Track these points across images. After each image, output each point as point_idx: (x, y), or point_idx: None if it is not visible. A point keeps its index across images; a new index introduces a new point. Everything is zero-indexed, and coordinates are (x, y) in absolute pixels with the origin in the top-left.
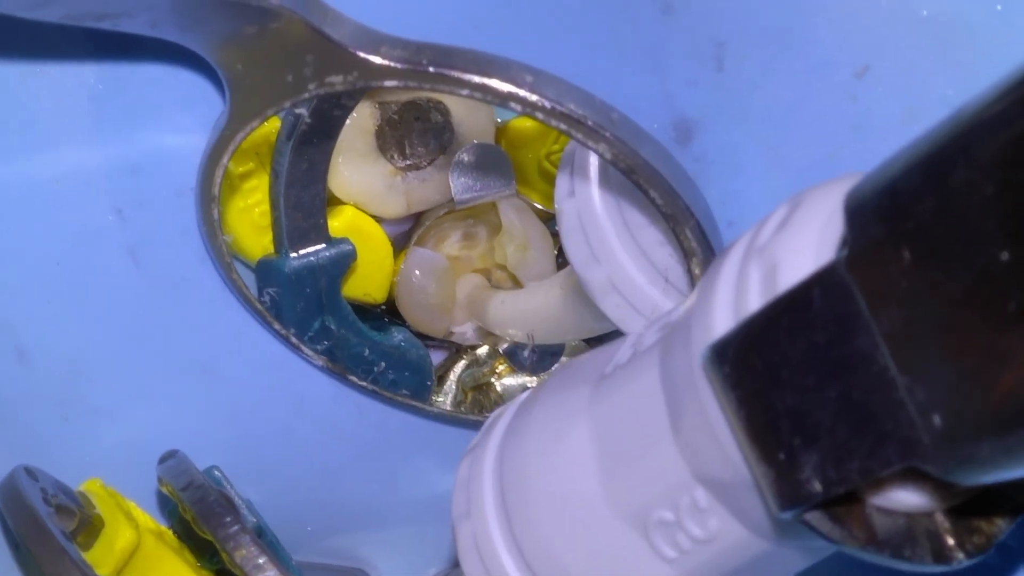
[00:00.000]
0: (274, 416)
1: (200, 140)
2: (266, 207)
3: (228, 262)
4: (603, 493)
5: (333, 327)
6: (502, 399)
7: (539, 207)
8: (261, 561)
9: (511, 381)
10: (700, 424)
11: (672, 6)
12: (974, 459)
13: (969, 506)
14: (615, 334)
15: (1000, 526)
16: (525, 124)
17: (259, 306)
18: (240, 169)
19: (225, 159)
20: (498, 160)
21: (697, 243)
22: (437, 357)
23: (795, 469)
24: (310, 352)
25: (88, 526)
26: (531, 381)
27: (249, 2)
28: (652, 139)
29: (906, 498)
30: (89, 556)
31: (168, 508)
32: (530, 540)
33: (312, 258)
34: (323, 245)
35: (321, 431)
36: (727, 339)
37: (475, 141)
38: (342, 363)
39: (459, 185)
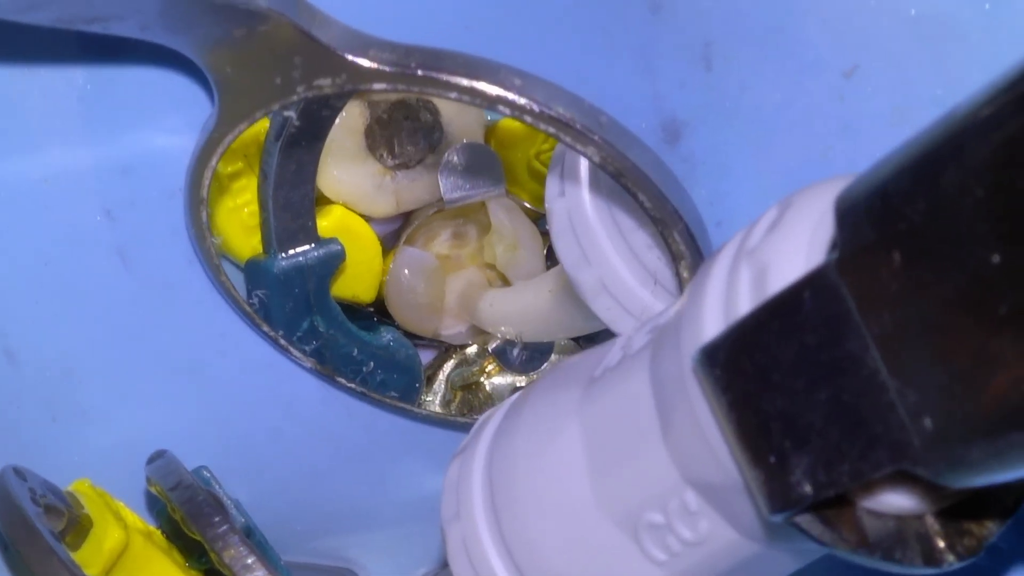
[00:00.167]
0: (263, 417)
1: (190, 141)
2: (255, 207)
3: (216, 264)
4: (593, 496)
5: (322, 327)
6: (491, 398)
7: (528, 207)
8: (250, 561)
9: (500, 380)
10: (690, 427)
11: (661, 6)
12: (965, 462)
13: (959, 508)
14: (605, 333)
15: (990, 528)
16: (515, 124)
17: (247, 307)
18: (229, 169)
19: (213, 161)
20: (487, 160)
21: (685, 246)
22: (426, 356)
23: (786, 472)
24: (298, 353)
25: (77, 526)
26: (520, 380)
27: (237, 5)
28: (641, 142)
29: (896, 501)
30: (78, 556)
31: (157, 508)
32: (519, 542)
33: (300, 258)
34: (311, 245)
35: (310, 432)
36: (717, 341)
37: (464, 141)
38: (331, 364)
39: (448, 184)
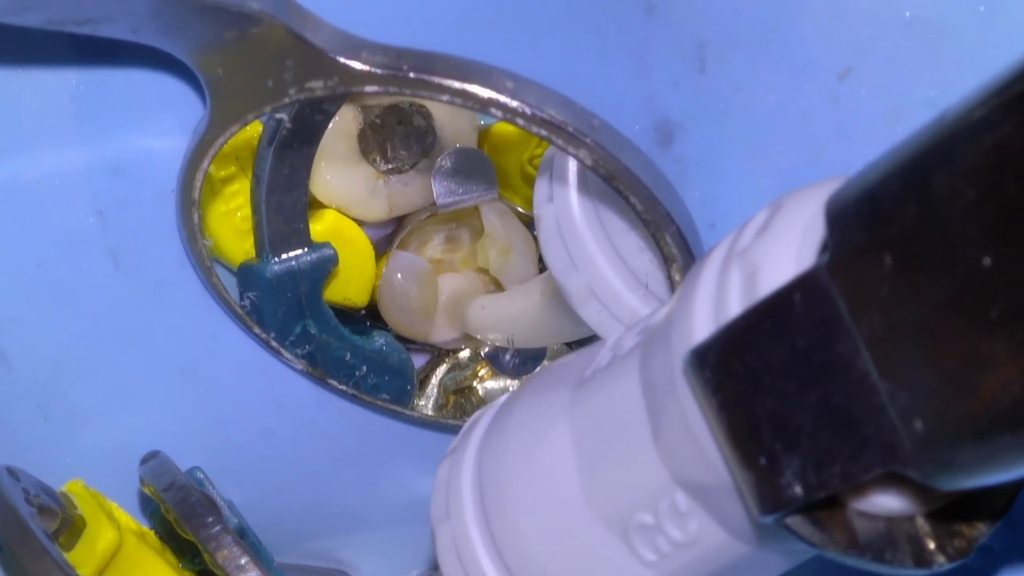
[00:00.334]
0: (255, 418)
1: (182, 143)
2: (248, 211)
3: (208, 266)
4: (582, 496)
5: (314, 331)
6: (484, 403)
7: (522, 211)
8: (243, 562)
9: (493, 385)
10: (680, 428)
11: (654, 7)
12: (955, 464)
13: (950, 510)
14: (595, 339)
15: (981, 530)
16: (508, 128)
17: (239, 310)
18: (222, 173)
19: (205, 163)
20: (480, 164)
21: (677, 249)
22: (419, 361)
23: (776, 473)
24: (290, 356)
25: (70, 526)
26: (513, 385)
27: (229, 7)
28: (633, 145)
29: (887, 502)
30: (71, 556)
31: (150, 509)
32: (509, 542)
33: (293, 263)
34: (304, 249)
35: (303, 433)
36: (708, 343)
37: (457, 145)
38: (323, 367)
39: (441, 189)
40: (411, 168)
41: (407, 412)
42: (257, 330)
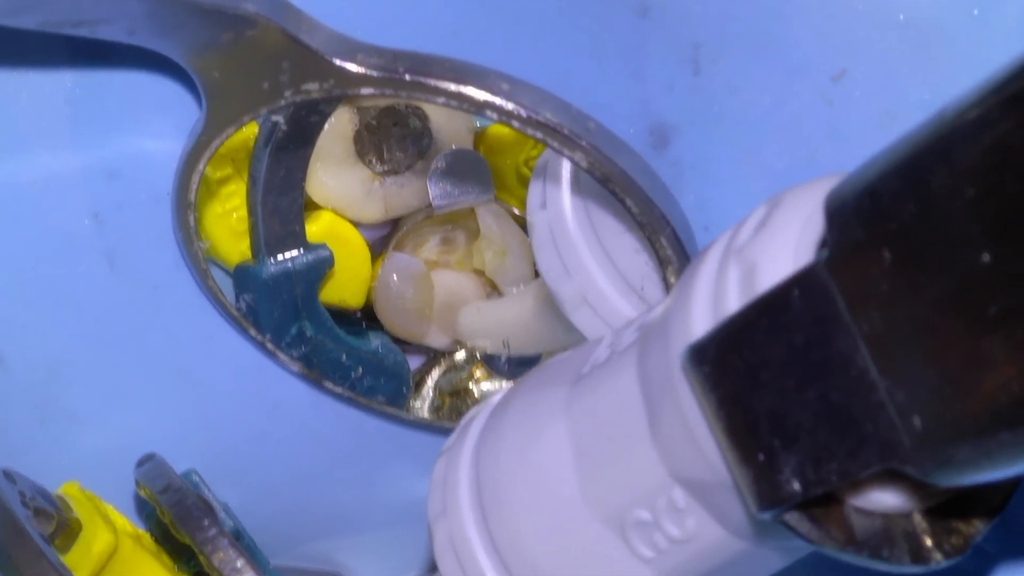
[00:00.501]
0: (251, 421)
1: (178, 145)
2: (244, 212)
3: (204, 268)
4: (580, 493)
5: (310, 333)
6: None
7: (517, 213)
8: (239, 564)
9: (489, 386)
10: (678, 424)
11: (649, 9)
12: (954, 461)
13: (947, 507)
14: None
15: (977, 527)
16: (504, 130)
17: (235, 312)
18: (218, 174)
19: (201, 166)
20: (476, 166)
21: (673, 251)
22: (415, 362)
23: (774, 470)
24: (286, 358)
25: (66, 529)
26: (508, 386)
27: (225, 10)
28: (628, 148)
29: (885, 499)
30: (67, 559)
31: (146, 511)
32: (506, 540)
33: (289, 264)
34: (300, 251)
35: (298, 436)
36: (706, 339)
37: (453, 147)
38: (318, 369)
39: (437, 190)
40: (407, 170)
41: (403, 414)
42: (253, 332)
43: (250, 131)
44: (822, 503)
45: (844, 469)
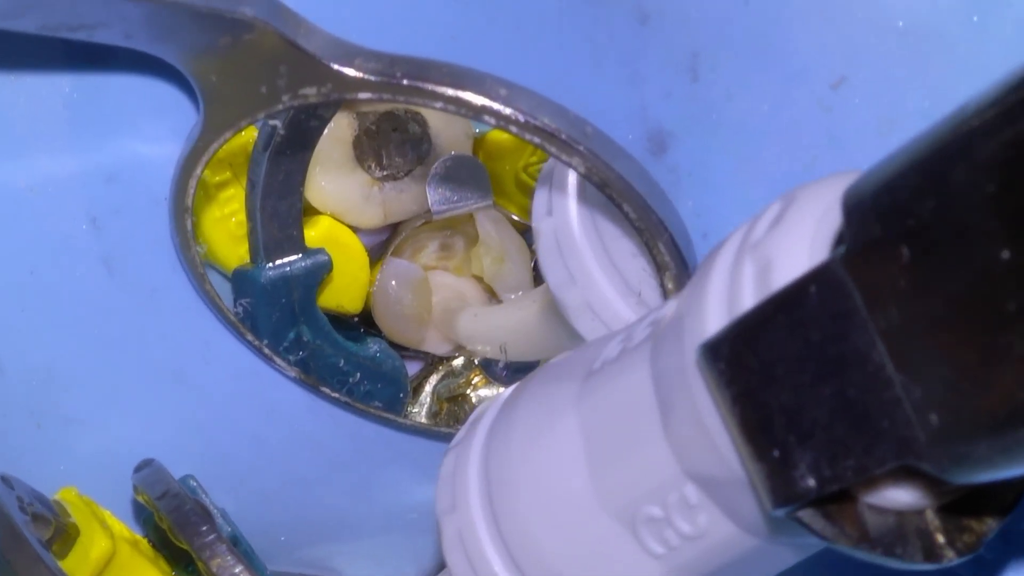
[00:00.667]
0: (248, 426)
1: (175, 149)
2: (242, 217)
3: (201, 272)
4: (591, 489)
5: (308, 338)
6: None
7: (516, 219)
8: (237, 570)
9: (487, 392)
10: (691, 420)
11: (648, 17)
12: (971, 458)
13: (959, 505)
14: None
15: (989, 525)
16: (502, 136)
17: (232, 317)
18: (216, 179)
19: (198, 170)
20: (475, 172)
21: (671, 257)
22: (413, 368)
23: (789, 466)
24: (283, 363)
25: (64, 535)
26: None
27: (223, 14)
28: (626, 153)
29: (899, 496)
30: (65, 565)
31: (143, 517)
32: (516, 535)
33: (287, 268)
34: (298, 255)
35: (295, 441)
36: (722, 335)
37: (452, 152)
38: (316, 374)
39: (436, 196)
40: (406, 175)
41: (400, 420)
42: (250, 337)
43: (249, 135)
44: (836, 500)
45: (860, 465)
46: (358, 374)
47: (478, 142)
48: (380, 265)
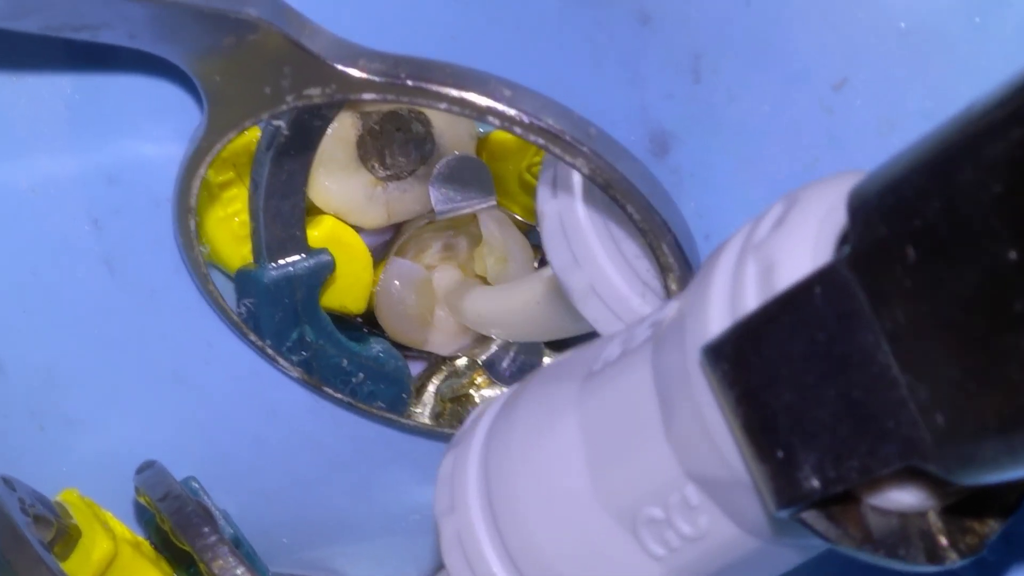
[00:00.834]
0: (250, 427)
1: (177, 150)
2: (245, 217)
3: (204, 273)
4: (591, 490)
5: (311, 338)
6: None
7: (519, 219)
8: (239, 572)
9: (490, 393)
10: (693, 421)
11: (650, 18)
12: (977, 459)
13: (962, 506)
14: (592, 335)
15: (992, 526)
16: (506, 136)
17: (235, 317)
18: (219, 178)
19: (202, 170)
20: (478, 172)
21: (674, 259)
22: (416, 368)
23: (793, 467)
24: (286, 364)
25: (65, 536)
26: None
27: (227, 14)
28: (630, 154)
29: (902, 498)
30: (66, 566)
31: (145, 518)
32: (515, 536)
33: (290, 268)
34: (301, 255)
35: (297, 443)
36: (725, 336)
37: (456, 152)
38: (319, 374)
39: (439, 196)
40: (409, 175)
41: (402, 420)
42: (253, 337)
43: (252, 135)
44: (839, 501)
45: (865, 466)
46: (361, 374)
47: (481, 142)
48: (383, 265)
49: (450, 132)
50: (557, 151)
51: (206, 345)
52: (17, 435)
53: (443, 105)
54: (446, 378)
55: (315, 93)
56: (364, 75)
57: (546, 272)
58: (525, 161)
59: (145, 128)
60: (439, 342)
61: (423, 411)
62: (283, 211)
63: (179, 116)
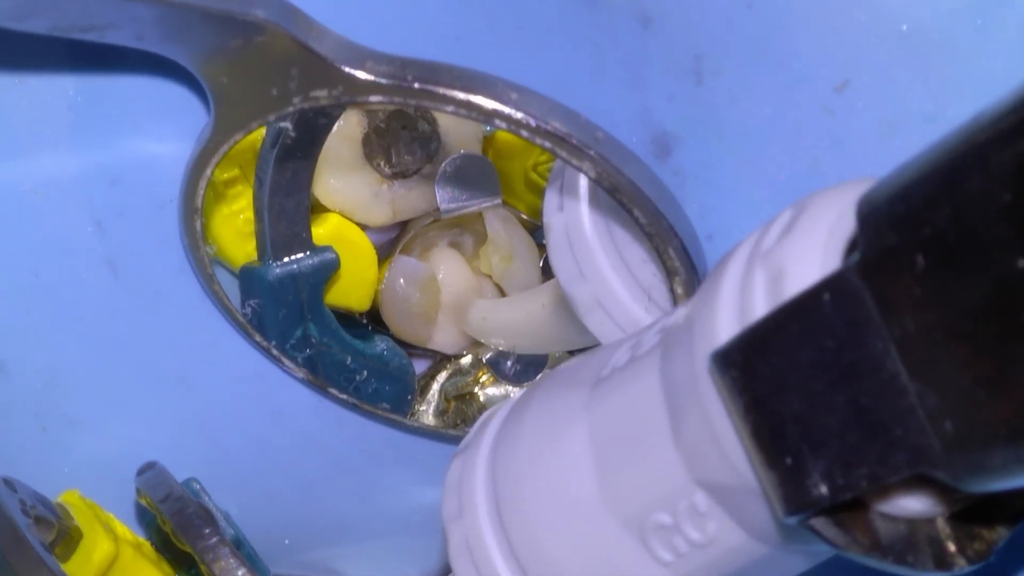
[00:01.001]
0: (253, 428)
1: (180, 150)
2: (250, 214)
3: (210, 273)
4: (599, 495)
5: (315, 336)
6: (485, 409)
7: (525, 218)
8: (240, 573)
9: (494, 391)
10: (702, 428)
11: (651, 20)
12: (986, 467)
13: (969, 512)
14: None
15: (1000, 532)
16: (512, 135)
17: (240, 317)
18: (225, 176)
19: (208, 171)
20: (484, 170)
21: (680, 263)
22: (420, 366)
23: (802, 474)
24: (290, 363)
25: (66, 537)
26: (514, 391)
27: (235, 16)
28: (637, 158)
29: (911, 504)
30: (67, 567)
31: (146, 519)
32: (524, 542)
33: (295, 266)
34: (306, 253)
35: (300, 443)
36: (734, 343)
37: (462, 151)
38: (323, 373)
39: (445, 195)
40: (415, 173)
41: (406, 421)
42: (257, 337)
43: (257, 133)
44: (847, 508)
45: (873, 474)
46: (365, 372)
47: (487, 141)
48: (388, 263)
49: (456, 130)
50: (563, 154)
51: (210, 346)
52: (19, 436)
53: (450, 108)
54: (450, 376)
55: (322, 95)
56: (371, 77)
57: (551, 285)
58: (531, 160)
59: (147, 129)
60: (444, 340)
61: (427, 409)
62: (288, 209)
63: (181, 117)
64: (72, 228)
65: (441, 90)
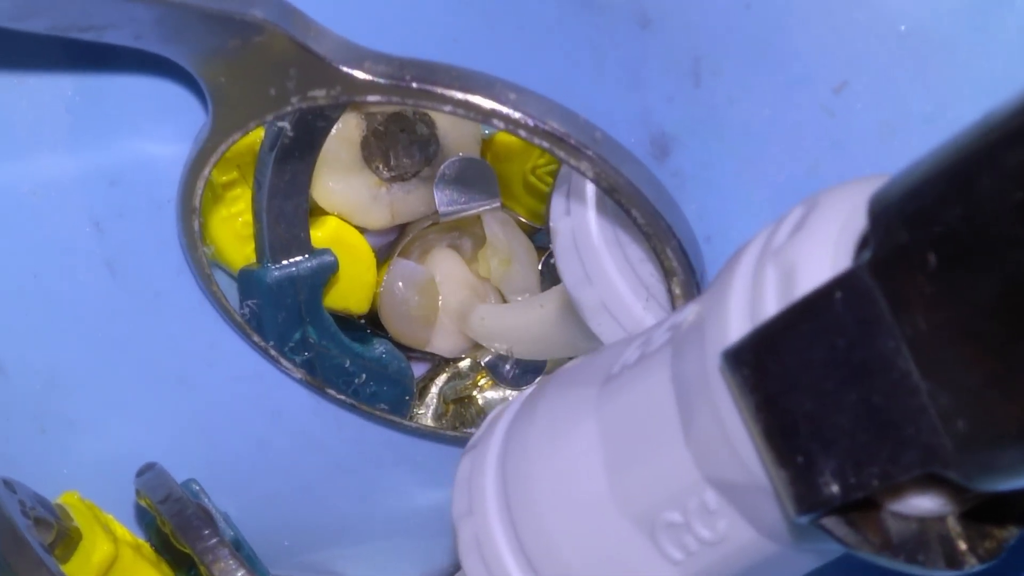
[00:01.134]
0: (252, 429)
1: (179, 151)
2: (249, 217)
3: (208, 274)
4: (610, 493)
5: (314, 338)
6: (483, 412)
7: (524, 221)
8: (239, 575)
9: (493, 394)
10: (713, 426)
11: (650, 21)
12: (998, 466)
13: (980, 511)
14: None
15: (1011, 531)
16: (510, 138)
17: (238, 318)
18: (223, 178)
19: (206, 171)
20: (483, 173)
21: (678, 263)
22: (419, 369)
23: (814, 473)
24: (288, 365)
25: (66, 539)
26: (513, 394)
27: (233, 16)
28: (635, 159)
29: (922, 503)
30: (67, 569)
31: (146, 521)
32: (533, 539)
33: (293, 269)
34: (304, 256)
35: (299, 444)
36: (745, 342)
37: (460, 154)
38: (322, 375)
39: (443, 198)
40: (414, 176)
41: (405, 422)
42: (256, 338)
43: (256, 136)
44: (859, 507)
45: (885, 473)
46: (364, 375)
47: (486, 143)
48: (387, 266)
49: (455, 133)
50: (562, 154)
51: (209, 347)
52: (18, 437)
53: (448, 108)
54: (449, 379)
55: (320, 95)
56: (369, 77)
57: (554, 291)
58: (530, 163)
59: (146, 129)
60: (442, 343)
61: (426, 412)
62: (287, 211)
63: (180, 117)
64: (71, 229)
65: (439, 90)
